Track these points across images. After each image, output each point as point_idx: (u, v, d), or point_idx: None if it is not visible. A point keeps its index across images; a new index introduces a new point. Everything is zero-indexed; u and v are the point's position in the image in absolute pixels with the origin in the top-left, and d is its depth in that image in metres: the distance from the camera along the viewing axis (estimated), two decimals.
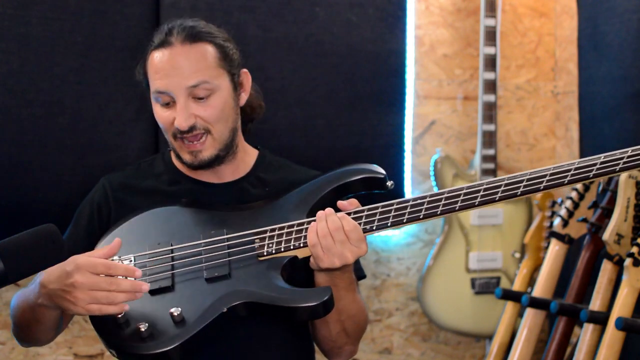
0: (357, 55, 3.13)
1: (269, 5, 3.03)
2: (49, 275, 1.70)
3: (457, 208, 1.78)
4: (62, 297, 1.68)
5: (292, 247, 1.79)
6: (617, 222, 2.45)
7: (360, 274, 1.99)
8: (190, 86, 1.86)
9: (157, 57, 1.90)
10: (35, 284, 1.74)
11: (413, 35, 3.35)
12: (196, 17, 1.97)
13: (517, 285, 3.06)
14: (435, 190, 3.32)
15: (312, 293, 1.75)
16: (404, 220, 1.79)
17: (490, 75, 3.29)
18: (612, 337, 2.34)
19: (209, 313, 1.73)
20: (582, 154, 3.20)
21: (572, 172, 1.78)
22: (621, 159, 1.78)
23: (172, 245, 1.81)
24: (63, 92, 2.82)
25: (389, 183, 1.85)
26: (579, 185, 2.83)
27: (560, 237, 2.80)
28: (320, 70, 3.09)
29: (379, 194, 1.87)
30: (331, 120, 3.11)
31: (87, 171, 2.82)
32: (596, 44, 3.09)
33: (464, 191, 1.78)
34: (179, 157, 1.94)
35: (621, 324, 2.28)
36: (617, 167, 1.78)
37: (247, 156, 2.02)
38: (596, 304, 2.50)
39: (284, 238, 1.79)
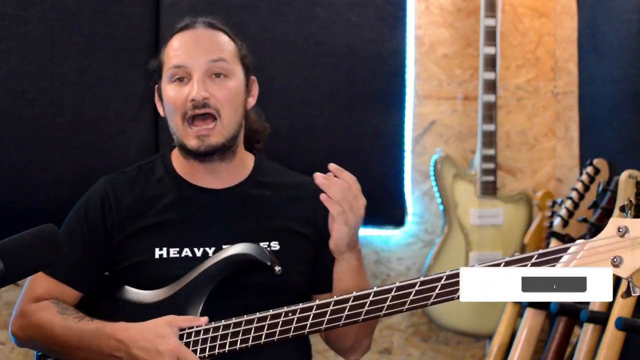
0: (357, 55, 3.12)
1: (269, 5, 3.03)
2: (135, 333, 1.77)
3: (308, 326, 1.74)
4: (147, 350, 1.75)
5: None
6: None
7: None
8: (210, 60, 1.87)
9: (178, 38, 1.92)
10: (108, 337, 1.79)
11: (413, 35, 3.35)
12: (197, 17, 1.98)
13: None
14: (435, 189, 3.33)
15: None
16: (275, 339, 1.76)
17: (490, 75, 3.29)
18: (612, 337, 2.34)
19: None
20: (582, 154, 3.20)
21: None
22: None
23: None
24: (63, 92, 2.82)
25: (277, 269, 1.82)
26: (579, 185, 2.83)
27: (560, 237, 2.80)
28: (320, 70, 3.08)
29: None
30: (331, 120, 3.10)
31: (87, 171, 2.81)
32: (596, 44, 3.09)
33: (313, 311, 1.74)
34: (183, 148, 1.92)
35: (621, 324, 2.29)
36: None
37: (246, 160, 2.02)
38: (596, 304, 2.50)
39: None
